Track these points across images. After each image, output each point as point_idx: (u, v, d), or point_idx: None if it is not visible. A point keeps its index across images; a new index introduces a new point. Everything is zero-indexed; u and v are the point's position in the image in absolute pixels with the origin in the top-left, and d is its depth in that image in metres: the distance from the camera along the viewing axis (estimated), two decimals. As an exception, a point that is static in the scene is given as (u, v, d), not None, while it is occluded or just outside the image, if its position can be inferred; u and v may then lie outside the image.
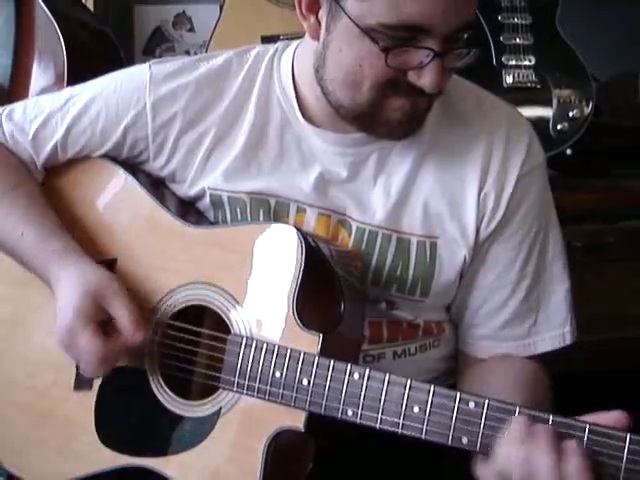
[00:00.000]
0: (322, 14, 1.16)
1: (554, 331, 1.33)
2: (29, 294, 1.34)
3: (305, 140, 1.28)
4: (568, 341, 1.33)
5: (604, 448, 0.95)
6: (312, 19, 1.18)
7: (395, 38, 1.09)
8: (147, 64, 1.33)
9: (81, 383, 1.27)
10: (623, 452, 0.94)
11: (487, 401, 1.00)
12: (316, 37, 1.19)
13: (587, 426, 0.96)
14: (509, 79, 2.36)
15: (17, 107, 1.37)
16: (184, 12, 2.87)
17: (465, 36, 1.15)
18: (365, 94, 1.15)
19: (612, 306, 2.33)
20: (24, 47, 2.48)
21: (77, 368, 1.26)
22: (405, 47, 1.10)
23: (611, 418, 0.97)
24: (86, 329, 1.17)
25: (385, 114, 1.17)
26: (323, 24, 1.17)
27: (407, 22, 1.07)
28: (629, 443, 0.94)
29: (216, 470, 1.14)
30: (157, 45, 2.86)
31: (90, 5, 2.78)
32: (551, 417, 0.98)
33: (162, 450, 1.18)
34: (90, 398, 1.26)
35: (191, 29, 2.87)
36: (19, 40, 2.49)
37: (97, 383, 1.26)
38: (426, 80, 1.11)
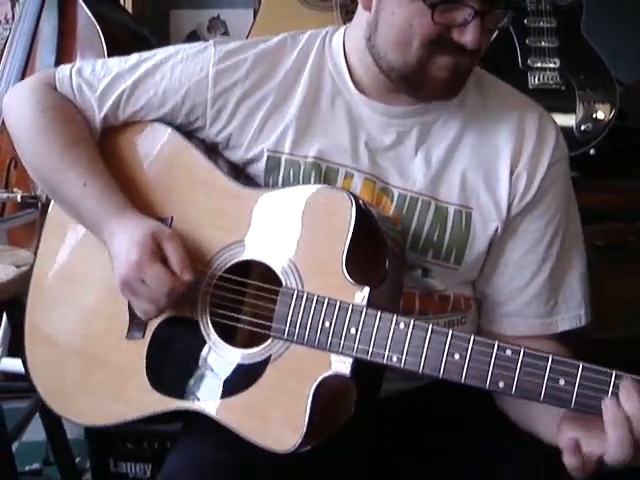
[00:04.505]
0: None
1: (573, 312, 1.39)
2: (83, 248, 1.41)
3: (354, 108, 1.37)
4: (584, 322, 1.39)
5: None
6: None
7: None
8: (211, 41, 1.42)
9: (133, 332, 1.33)
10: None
11: (523, 349, 1.08)
12: (368, 7, 1.30)
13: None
14: (534, 81, 2.43)
15: (86, 65, 1.45)
16: (219, 16, 2.96)
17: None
18: (414, 53, 1.25)
19: (632, 303, 2.37)
20: (66, 47, 2.59)
21: (131, 316, 1.33)
22: (449, 4, 1.21)
23: None
24: (155, 262, 1.24)
25: (432, 73, 1.26)
26: None
27: None
28: None
29: (264, 413, 1.20)
30: (192, 48, 2.95)
31: (128, 9, 2.88)
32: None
33: (211, 394, 1.24)
34: (142, 345, 1.32)
35: (225, 33, 2.96)
36: (62, 40, 2.59)
37: (149, 331, 1.32)
38: (468, 37, 1.22)
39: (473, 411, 1.31)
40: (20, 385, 2.34)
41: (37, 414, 2.12)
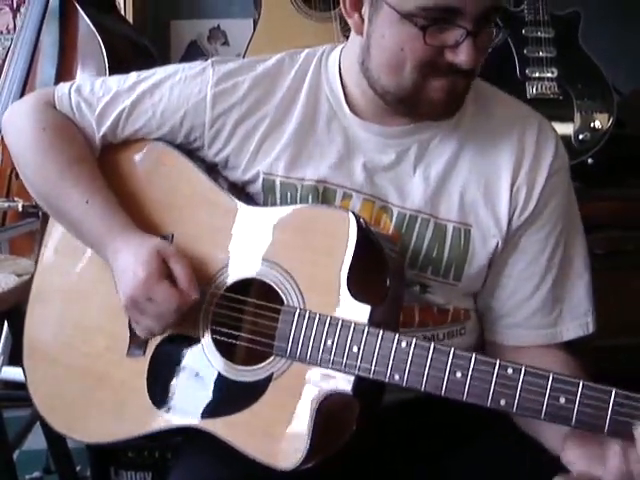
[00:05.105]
0: (365, 10, 1.28)
1: (579, 320, 1.38)
2: (84, 264, 1.42)
3: (351, 131, 1.37)
4: (591, 330, 1.39)
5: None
6: (356, 16, 1.30)
7: (432, 19, 1.20)
8: (210, 62, 1.43)
9: (134, 349, 1.34)
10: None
11: (523, 368, 1.09)
12: (360, 32, 1.30)
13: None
14: (533, 90, 2.44)
15: (84, 84, 1.45)
16: (219, 26, 2.98)
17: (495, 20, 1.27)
18: (408, 77, 1.25)
19: (633, 311, 2.39)
20: (67, 57, 2.60)
21: (131, 333, 1.33)
22: (441, 26, 1.21)
23: None
24: (163, 280, 1.25)
25: (428, 95, 1.26)
26: (366, 18, 1.28)
27: (442, 4, 1.19)
28: None
29: (266, 431, 1.20)
30: (193, 58, 2.93)
31: (129, 20, 2.89)
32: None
33: (214, 412, 1.25)
34: (142, 363, 1.32)
35: (225, 43, 2.98)
36: (63, 51, 2.60)
37: (150, 349, 1.32)
38: (462, 57, 1.22)
39: (472, 418, 1.32)
40: (21, 394, 2.31)
41: (38, 422, 2.12)
